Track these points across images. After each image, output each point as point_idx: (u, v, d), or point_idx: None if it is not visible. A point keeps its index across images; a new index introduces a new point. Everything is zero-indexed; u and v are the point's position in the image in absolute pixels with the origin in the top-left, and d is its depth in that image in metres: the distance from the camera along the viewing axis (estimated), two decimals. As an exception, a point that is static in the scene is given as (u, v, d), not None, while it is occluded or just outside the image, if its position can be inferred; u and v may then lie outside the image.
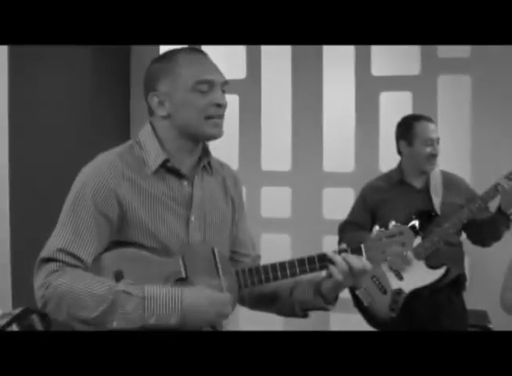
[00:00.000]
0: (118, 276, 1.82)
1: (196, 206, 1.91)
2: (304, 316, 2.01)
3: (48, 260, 1.79)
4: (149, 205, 1.85)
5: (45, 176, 4.20)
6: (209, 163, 1.98)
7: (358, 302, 3.32)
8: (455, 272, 3.21)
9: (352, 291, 3.31)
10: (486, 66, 3.96)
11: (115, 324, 1.73)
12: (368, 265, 1.88)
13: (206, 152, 1.96)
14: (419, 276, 3.15)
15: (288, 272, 1.90)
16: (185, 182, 1.91)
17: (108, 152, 1.91)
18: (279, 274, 1.89)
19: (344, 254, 1.88)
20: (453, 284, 3.22)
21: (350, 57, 4.19)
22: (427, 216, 3.18)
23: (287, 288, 1.98)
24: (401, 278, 3.19)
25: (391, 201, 3.28)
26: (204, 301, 1.77)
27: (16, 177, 4.29)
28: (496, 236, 3.23)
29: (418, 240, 3.15)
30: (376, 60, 4.16)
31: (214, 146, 4.63)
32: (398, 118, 4.16)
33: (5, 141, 4.31)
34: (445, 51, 4.05)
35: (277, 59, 4.34)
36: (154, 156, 1.87)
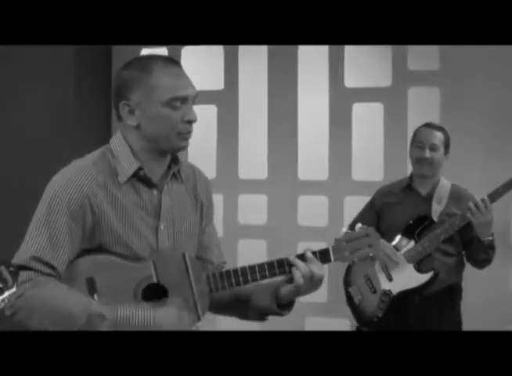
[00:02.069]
0: (90, 283, 1.80)
1: (164, 215, 1.88)
2: (262, 319, 1.99)
3: (20, 268, 1.74)
4: (122, 215, 1.82)
5: (26, 178, 4.16)
6: (178, 170, 1.94)
7: (349, 299, 3.35)
8: (447, 281, 3.19)
9: (346, 288, 3.35)
10: (454, 78, 4.02)
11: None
12: (321, 274, 1.87)
13: (175, 160, 1.93)
14: (407, 278, 3.17)
15: (258, 275, 1.88)
16: (155, 191, 1.88)
17: (83, 159, 1.87)
18: (249, 278, 1.87)
19: (307, 261, 1.88)
20: (446, 293, 3.21)
21: (324, 70, 4.22)
22: (423, 222, 3.19)
23: (246, 293, 1.96)
24: (390, 279, 3.22)
25: (395, 206, 3.29)
26: (173, 324, 1.78)
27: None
28: (477, 261, 3.20)
29: (411, 244, 3.18)
30: (349, 72, 4.20)
31: (192, 155, 4.66)
32: (370, 128, 4.23)
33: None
34: (415, 64, 4.10)
35: (254, 71, 4.37)
36: (127, 165, 1.84)
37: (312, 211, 4.16)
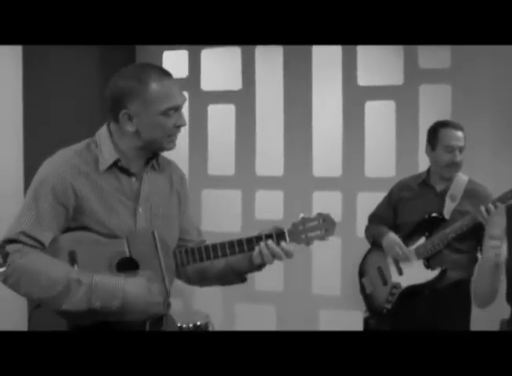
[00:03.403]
0: (72, 256, 1.96)
1: (143, 199, 2.04)
2: (243, 280, 2.16)
3: (10, 241, 1.93)
4: (102, 198, 1.99)
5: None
6: (157, 162, 2.11)
7: (362, 289, 3.39)
8: (456, 277, 3.17)
9: (360, 277, 3.39)
10: (465, 76, 4.02)
11: (64, 307, 1.87)
12: (289, 252, 2.01)
13: (154, 154, 2.10)
14: (416, 274, 3.17)
15: (220, 253, 2.03)
16: (134, 179, 2.05)
17: (67, 149, 2.05)
18: (211, 255, 2.03)
19: (269, 242, 2.01)
20: (455, 288, 3.19)
21: (337, 69, 4.24)
22: (435, 219, 3.18)
23: (225, 261, 2.13)
24: (401, 273, 3.22)
25: (411, 200, 3.28)
26: (142, 292, 1.92)
27: (30, 172, 4.29)
28: None
29: (422, 240, 3.18)
30: (362, 71, 4.20)
31: (211, 153, 4.64)
32: (382, 125, 4.21)
33: (19, 137, 4.32)
34: (427, 62, 4.09)
35: (270, 71, 4.39)
36: (107, 156, 2.01)
37: (326, 206, 4.13)
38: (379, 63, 4.19)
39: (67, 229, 1.98)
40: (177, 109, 2.00)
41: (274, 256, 2.01)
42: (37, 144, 4.29)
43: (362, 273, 3.39)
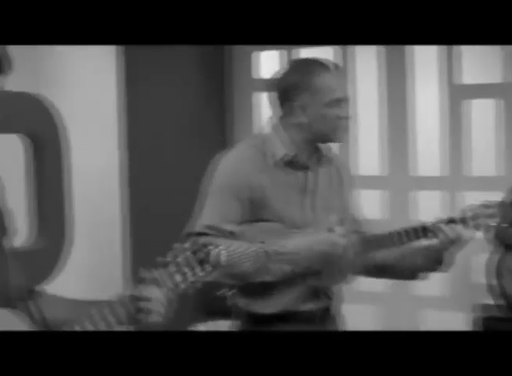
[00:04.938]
0: None
1: (310, 191, 2.18)
2: (415, 277, 2.25)
3: (198, 234, 2.06)
4: (276, 191, 2.13)
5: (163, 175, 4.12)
6: (321, 154, 2.22)
7: (502, 290, 3.34)
8: None
9: (498, 279, 3.34)
10: None
11: (268, 278, 2.04)
12: (471, 235, 2.07)
13: (317, 148, 2.20)
14: None
15: (404, 239, 2.12)
16: (302, 172, 2.18)
17: (243, 144, 2.24)
18: (395, 240, 2.12)
19: (452, 226, 2.08)
20: None
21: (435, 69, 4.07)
22: None
23: (402, 258, 2.21)
24: None
25: None
26: (329, 247, 2.05)
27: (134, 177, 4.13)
28: None
29: None
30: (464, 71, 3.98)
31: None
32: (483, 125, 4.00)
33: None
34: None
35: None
36: (279, 150, 2.15)
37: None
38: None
39: (250, 222, 2.12)
40: (339, 100, 2.12)
41: (454, 237, 2.07)
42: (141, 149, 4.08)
43: (499, 275, 3.33)
